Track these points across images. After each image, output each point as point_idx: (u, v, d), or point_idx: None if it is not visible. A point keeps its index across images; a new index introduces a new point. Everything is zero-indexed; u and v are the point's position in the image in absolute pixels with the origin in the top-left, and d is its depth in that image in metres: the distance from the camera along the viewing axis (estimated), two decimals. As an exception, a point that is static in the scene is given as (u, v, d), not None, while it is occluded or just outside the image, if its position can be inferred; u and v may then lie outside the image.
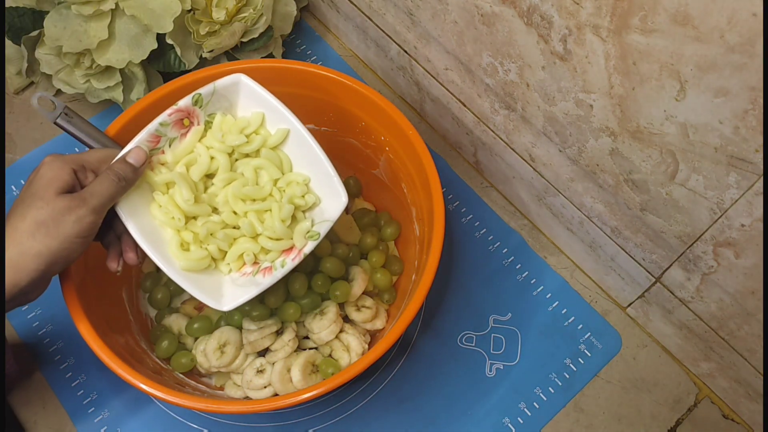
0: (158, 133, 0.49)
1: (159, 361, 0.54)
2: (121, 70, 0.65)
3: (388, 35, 0.67)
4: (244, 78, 0.50)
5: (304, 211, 0.51)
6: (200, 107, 0.50)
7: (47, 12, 0.62)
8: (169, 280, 0.57)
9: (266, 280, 0.49)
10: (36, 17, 0.64)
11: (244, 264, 0.51)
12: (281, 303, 0.54)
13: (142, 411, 0.57)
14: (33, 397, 0.57)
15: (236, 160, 0.52)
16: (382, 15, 0.65)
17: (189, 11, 0.63)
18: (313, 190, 0.52)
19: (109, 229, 0.48)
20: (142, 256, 0.48)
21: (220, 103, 0.51)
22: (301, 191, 0.50)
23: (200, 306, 0.58)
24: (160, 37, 0.62)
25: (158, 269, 0.49)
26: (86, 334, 0.47)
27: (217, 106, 0.51)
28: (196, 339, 0.56)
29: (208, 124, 0.51)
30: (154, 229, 0.48)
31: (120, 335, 0.52)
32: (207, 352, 0.54)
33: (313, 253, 0.56)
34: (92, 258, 0.53)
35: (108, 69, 0.64)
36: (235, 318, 0.55)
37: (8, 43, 0.67)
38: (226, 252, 0.50)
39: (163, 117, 0.49)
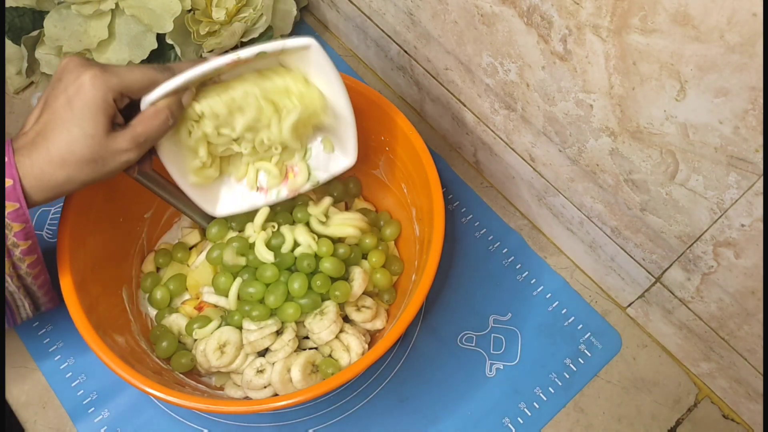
0: (209, 76, 0.47)
1: (159, 361, 0.54)
2: (121, 70, 0.65)
3: (388, 35, 0.67)
4: (315, 45, 0.47)
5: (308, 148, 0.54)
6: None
7: (47, 12, 0.62)
8: (169, 279, 0.58)
9: (260, 200, 0.54)
10: (36, 17, 0.64)
11: (245, 175, 0.54)
12: (281, 303, 0.54)
13: (142, 411, 0.57)
14: (33, 397, 0.57)
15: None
16: (382, 15, 0.65)
17: (189, 11, 0.63)
18: (330, 139, 0.54)
19: None
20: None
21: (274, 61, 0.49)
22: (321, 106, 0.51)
23: (200, 306, 0.58)
24: (160, 37, 0.62)
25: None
26: (86, 334, 0.47)
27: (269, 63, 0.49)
28: (195, 339, 0.56)
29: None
30: (175, 146, 0.50)
31: (120, 335, 0.52)
32: (207, 352, 0.54)
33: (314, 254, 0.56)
34: (92, 258, 0.53)
35: (108, 69, 0.64)
36: (235, 318, 0.55)
37: (8, 43, 0.67)
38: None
39: (220, 63, 0.45)
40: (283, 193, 0.54)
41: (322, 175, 0.54)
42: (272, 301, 0.54)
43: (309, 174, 0.53)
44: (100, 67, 0.43)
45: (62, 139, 0.42)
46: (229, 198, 0.54)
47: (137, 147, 0.44)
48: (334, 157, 0.54)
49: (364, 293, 0.57)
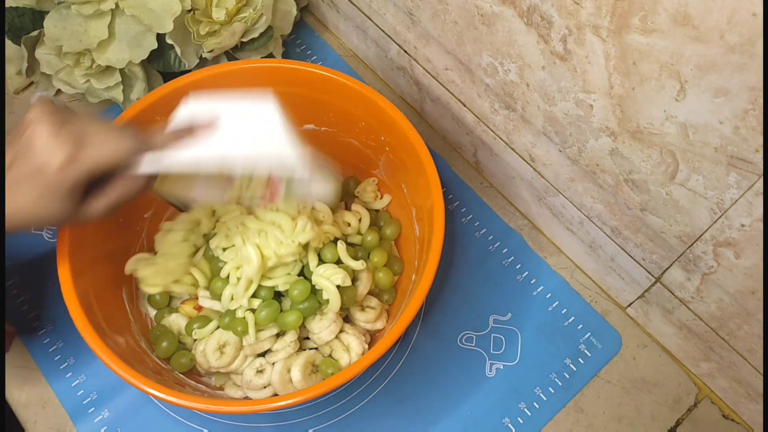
0: None
1: (159, 361, 0.54)
2: (121, 70, 0.64)
3: (388, 35, 0.67)
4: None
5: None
6: None
7: (47, 12, 0.62)
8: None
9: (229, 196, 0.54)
10: (36, 17, 0.64)
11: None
12: (270, 321, 0.54)
13: (142, 411, 0.57)
14: (33, 397, 0.57)
15: None
16: (382, 15, 0.65)
17: (189, 11, 0.63)
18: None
19: None
20: None
21: None
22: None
23: (200, 306, 0.58)
24: (160, 37, 0.62)
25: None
26: (86, 334, 0.47)
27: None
28: (195, 339, 0.56)
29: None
30: None
31: (120, 335, 0.52)
32: (206, 352, 0.54)
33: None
34: (92, 258, 0.53)
35: (108, 69, 0.64)
36: (225, 322, 0.55)
37: (8, 43, 0.67)
38: None
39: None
40: (258, 201, 0.54)
41: (301, 192, 0.53)
42: (263, 316, 0.53)
43: (288, 190, 0.53)
44: (70, 148, 0.40)
45: (32, 208, 0.41)
46: (201, 190, 0.53)
47: (111, 210, 0.45)
48: (318, 180, 0.52)
49: (367, 293, 0.57)
